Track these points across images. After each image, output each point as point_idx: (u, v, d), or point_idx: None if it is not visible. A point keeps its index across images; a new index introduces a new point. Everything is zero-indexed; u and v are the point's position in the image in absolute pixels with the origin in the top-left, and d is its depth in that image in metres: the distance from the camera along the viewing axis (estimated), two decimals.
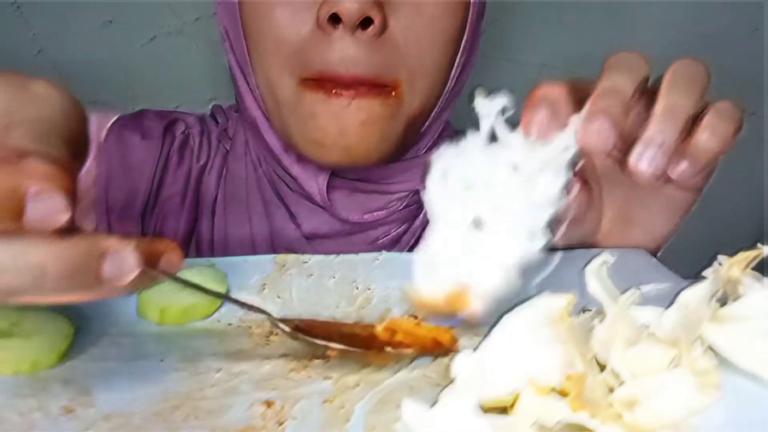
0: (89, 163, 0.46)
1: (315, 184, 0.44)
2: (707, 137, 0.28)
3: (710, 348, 0.23)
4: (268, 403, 0.23)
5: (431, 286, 0.28)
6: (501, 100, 0.28)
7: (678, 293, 0.23)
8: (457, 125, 0.49)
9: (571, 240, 0.36)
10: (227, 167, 0.49)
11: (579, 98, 0.28)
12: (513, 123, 0.28)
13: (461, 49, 0.43)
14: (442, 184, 0.28)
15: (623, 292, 0.23)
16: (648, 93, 0.29)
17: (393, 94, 0.40)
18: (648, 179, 0.27)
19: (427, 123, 0.45)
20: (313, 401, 0.24)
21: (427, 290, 0.28)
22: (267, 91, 0.43)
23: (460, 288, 0.27)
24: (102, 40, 0.82)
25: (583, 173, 0.31)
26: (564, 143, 0.27)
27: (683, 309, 0.23)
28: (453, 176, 0.28)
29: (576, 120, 0.27)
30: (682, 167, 0.29)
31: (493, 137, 0.28)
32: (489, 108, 0.28)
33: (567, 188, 0.27)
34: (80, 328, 0.28)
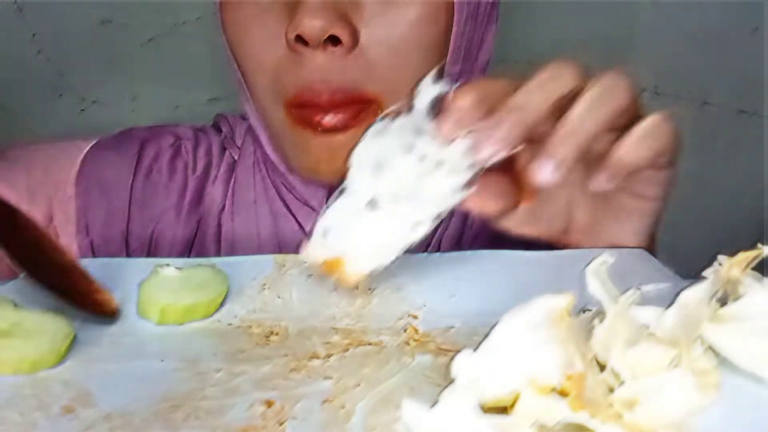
0: (66, 196, 0.46)
1: (317, 198, 0.44)
2: (623, 151, 0.29)
3: (710, 348, 0.23)
4: (269, 403, 0.23)
5: (318, 248, 0.31)
6: (439, 88, 0.30)
7: (678, 293, 0.23)
8: None
9: (529, 234, 0.37)
10: (235, 177, 0.48)
11: (496, 102, 0.29)
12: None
13: (451, 56, 0.42)
14: (363, 156, 0.31)
15: (623, 292, 0.23)
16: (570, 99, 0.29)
17: (379, 112, 0.39)
18: (543, 186, 0.28)
19: None
20: (314, 401, 0.24)
21: (313, 250, 0.31)
22: (262, 117, 0.43)
23: (338, 256, 0.30)
24: (101, 39, 0.82)
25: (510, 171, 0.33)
26: (462, 148, 0.29)
27: (683, 309, 0.23)
28: (372, 151, 0.31)
29: (479, 127, 0.29)
30: (598, 179, 0.29)
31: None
32: (426, 91, 0.30)
33: (462, 189, 0.29)
34: (80, 328, 0.28)
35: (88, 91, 0.83)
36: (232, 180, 0.48)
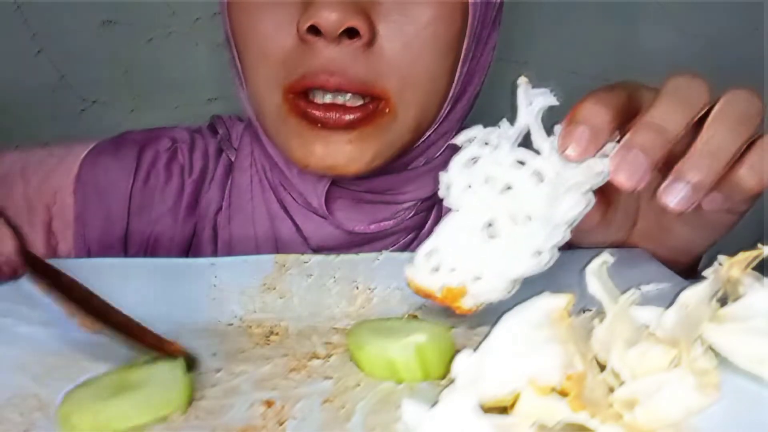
0: (64, 201, 0.45)
1: (315, 193, 0.43)
2: (745, 175, 0.27)
3: (710, 348, 0.23)
4: (269, 403, 0.23)
5: (430, 274, 0.28)
6: (545, 98, 0.27)
7: (678, 293, 0.23)
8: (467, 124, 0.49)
9: (598, 243, 0.35)
10: (232, 179, 0.48)
11: (625, 119, 0.27)
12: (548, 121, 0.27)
13: (462, 56, 0.41)
14: (464, 172, 0.28)
15: (623, 292, 0.23)
16: (696, 121, 0.27)
17: (387, 110, 0.38)
18: (673, 211, 0.26)
19: (432, 131, 0.43)
20: (314, 401, 0.24)
21: (426, 277, 0.28)
22: (255, 103, 0.42)
23: (457, 286, 0.27)
24: (102, 39, 0.82)
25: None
26: (596, 168, 0.26)
27: (683, 309, 0.23)
28: (478, 166, 0.27)
29: (613, 148, 0.26)
30: (714, 199, 0.27)
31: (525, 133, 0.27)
32: (530, 104, 0.27)
33: (586, 209, 0.26)
34: (79, 328, 0.28)
35: (88, 91, 0.83)
36: (229, 182, 0.48)
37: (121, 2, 0.80)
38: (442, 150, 0.46)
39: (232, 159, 0.48)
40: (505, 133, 0.27)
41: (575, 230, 0.27)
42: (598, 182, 0.26)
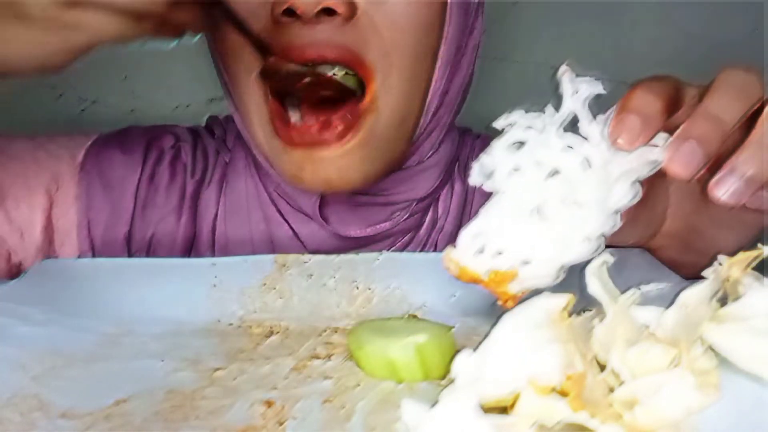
0: (66, 188, 0.45)
1: (308, 199, 0.43)
2: None
3: (710, 348, 0.23)
4: (269, 403, 0.23)
5: (474, 257, 0.27)
6: (592, 86, 0.26)
7: (678, 293, 0.23)
8: (459, 124, 0.48)
9: (623, 242, 0.34)
10: (227, 182, 0.47)
11: (676, 109, 0.26)
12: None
13: (445, 38, 0.41)
14: (509, 154, 0.27)
15: (623, 292, 0.23)
16: (750, 114, 0.27)
17: (369, 101, 0.38)
18: (724, 206, 0.25)
19: (422, 128, 0.43)
20: (314, 401, 0.24)
21: (471, 259, 0.27)
22: (246, 120, 0.42)
23: (506, 271, 0.26)
24: None
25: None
26: (649, 158, 0.26)
27: (683, 309, 0.23)
28: (526, 149, 0.27)
29: (665, 138, 0.26)
30: (761, 197, 0.27)
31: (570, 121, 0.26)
32: (577, 91, 0.26)
33: (635, 199, 0.26)
34: (80, 327, 0.28)
35: (88, 91, 0.83)
36: (224, 184, 0.47)
37: None
38: (434, 149, 0.45)
39: (227, 161, 0.48)
40: (551, 118, 0.27)
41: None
42: (648, 172, 0.26)
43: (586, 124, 0.26)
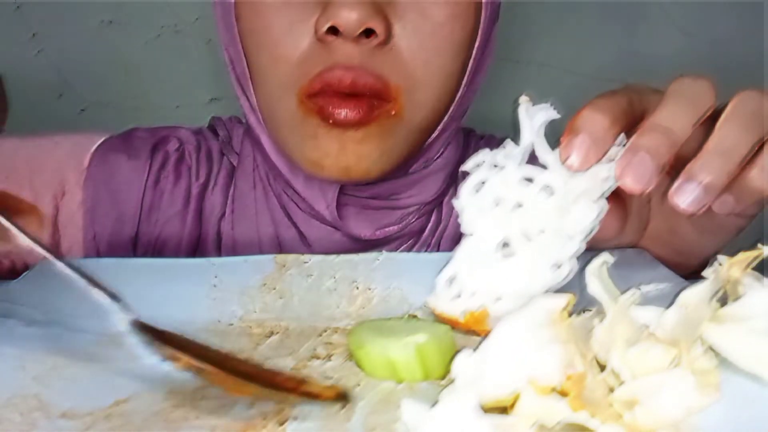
0: (72, 193, 0.45)
1: (324, 202, 0.43)
2: (757, 176, 0.26)
3: (710, 348, 0.23)
4: (269, 403, 0.23)
5: (452, 301, 0.28)
6: (545, 113, 0.27)
7: (678, 293, 0.23)
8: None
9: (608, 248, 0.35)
10: (235, 184, 0.47)
11: (629, 123, 0.27)
12: (555, 132, 0.27)
13: (473, 55, 0.42)
14: (474, 196, 0.28)
15: (623, 292, 0.23)
16: (707, 120, 0.27)
17: (393, 113, 0.39)
18: (684, 213, 0.26)
19: (435, 134, 0.43)
20: (314, 401, 0.24)
21: (448, 304, 0.28)
22: (267, 109, 0.42)
23: (480, 310, 0.27)
24: (102, 39, 0.82)
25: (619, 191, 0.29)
26: (602, 174, 0.26)
27: (683, 309, 0.23)
28: (486, 189, 0.28)
29: (617, 152, 0.26)
30: (725, 202, 0.27)
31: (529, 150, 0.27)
32: (531, 120, 0.27)
33: (596, 218, 0.26)
34: (80, 327, 0.28)
35: (88, 91, 0.83)
36: (232, 187, 0.47)
37: (121, 2, 0.81)
38: (440, 152, 0.45)
39: (234, 163, 0.48)
40: (511, 152, 0.28)
41: (595, 240, 0.27)
42: (607, 188, 0.26)
43: (543, 152, 0.27)
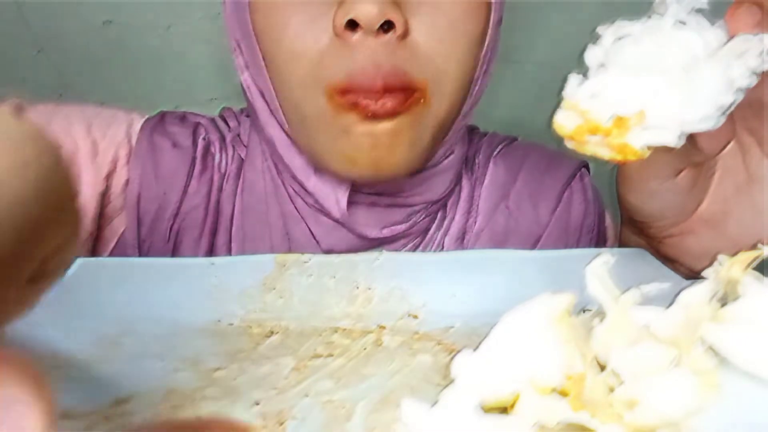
0: (119, 175, 0.44)
1: (334, 199, 0.42)
2: None
3: (710, 348, 0.23)
4: (269, 404, 0.23)
5: (591, 99, 0.25)
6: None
7: (678, 293, 0.23)
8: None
9: (653, 210, 0.34)
10: (244, 178, 0.46)
11: None
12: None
13: (483, 53, 0.42)
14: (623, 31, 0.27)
15: (623, 292, 0.23)
16: None
17: (422, 101, 0.38)
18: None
19: (451, 132, 0.43)
20: (314, 401, 0.24)
21: (588, 101, 0.25)
22: (291, 108, 0.41)
23: (630, 116, 0.24)
24: (102, 39, 0.82)
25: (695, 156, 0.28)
26: (765, 46, 0.25)
27: (683, 309, 0.23)
28: (638, 26, 0.27)
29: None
30: None
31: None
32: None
33: (750, 84, 0.24)
34: (80, 327, 0.28)
35: (88, 91, 0.83)
36: (241, 179, 0.47)
37: (122, 2, 0.80)
38: (446, 154, 0.45)
39: (242, 155, 0.47)
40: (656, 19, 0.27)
41: (685, 150, 0.26)
42: (763, 63, 0.25)
43: (696, 26, 0.26)
